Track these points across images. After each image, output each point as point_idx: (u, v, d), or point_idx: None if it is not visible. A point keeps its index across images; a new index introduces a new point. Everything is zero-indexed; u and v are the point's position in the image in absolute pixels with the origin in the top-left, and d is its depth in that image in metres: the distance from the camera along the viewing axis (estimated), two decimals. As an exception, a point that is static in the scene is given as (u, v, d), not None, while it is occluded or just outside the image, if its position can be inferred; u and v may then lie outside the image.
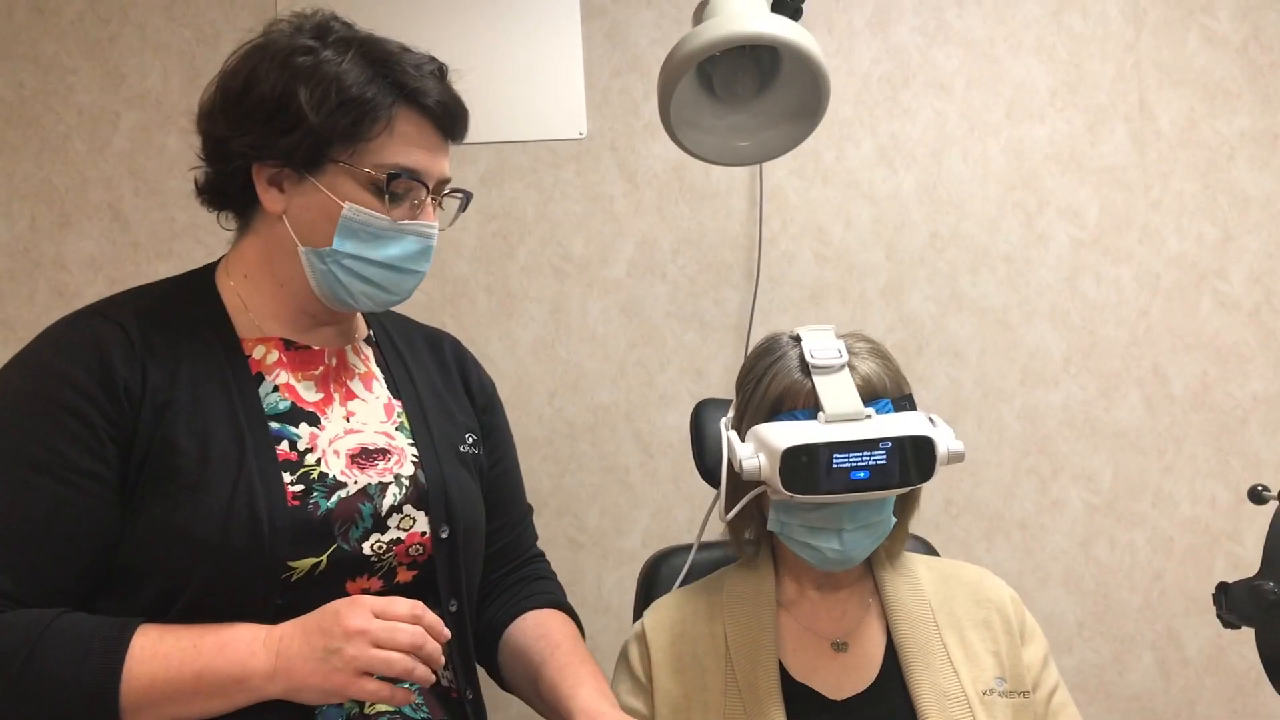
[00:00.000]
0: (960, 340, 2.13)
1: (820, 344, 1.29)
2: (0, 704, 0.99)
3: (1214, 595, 1.38)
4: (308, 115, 1.10)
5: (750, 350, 1.38)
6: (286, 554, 1.07)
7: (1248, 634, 1.45)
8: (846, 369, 1.26)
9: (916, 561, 1.39)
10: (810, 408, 1.24)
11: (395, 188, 1.14)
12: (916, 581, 1.36)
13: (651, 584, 1.52)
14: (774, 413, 1.27)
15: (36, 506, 1.03)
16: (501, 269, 2.07)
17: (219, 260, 1.24)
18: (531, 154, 2.08)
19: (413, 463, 1.19)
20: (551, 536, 2.05)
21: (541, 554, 1.43)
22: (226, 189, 1.18)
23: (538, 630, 1.30)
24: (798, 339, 1.31)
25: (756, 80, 1.52)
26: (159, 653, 1.02)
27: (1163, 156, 2.17)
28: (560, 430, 2.08)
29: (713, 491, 1.82)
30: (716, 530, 1.45)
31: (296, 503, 1.09)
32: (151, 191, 2.03)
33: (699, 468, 1.57)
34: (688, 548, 1.53)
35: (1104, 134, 2.16)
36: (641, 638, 1.34)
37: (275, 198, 1.15)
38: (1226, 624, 1.37)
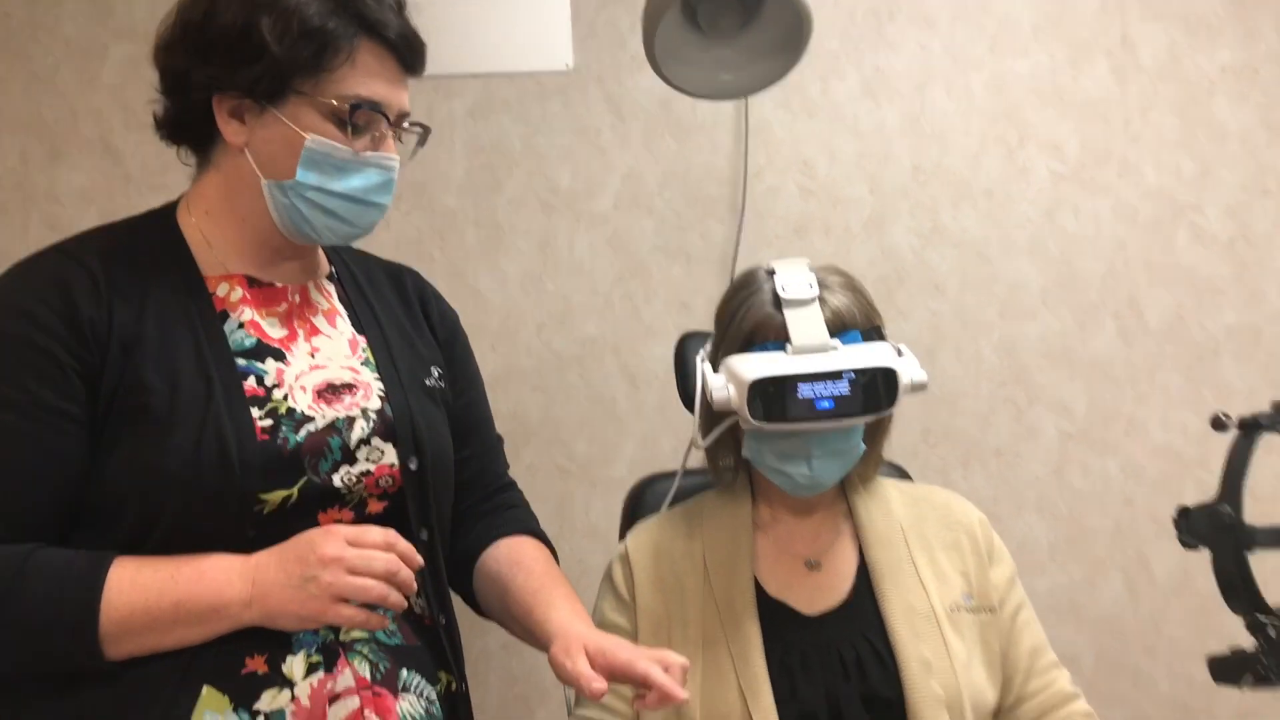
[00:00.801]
0: (941, 273, 2.18)
1: (792, 277, 1.33)
2: None
3: (1174, 519, 1.44)
4: (270, 46, 1.12)
5: (729, 285, 1.42)
6: (257, 487, 1.11)
7: (1205, 552, 1.51)
8: (817, 302, 1.31)
9: (889, 486, 1.45)
10: (781, 340, 1.29)
11: (357, 119, 1.15)
12: (888, 505, 1.42)
13: (637, 508, 1.58)
14: (747, 345, 1.32)
15: (8, 445, 1.06)
16: (489, 202, 2.11)
17: (179, 199, 1.25)
18: (518, 86, 2.11)
19: (379, 397, 1.22)
20: (540, 465, 2.11)
21: (513, 483, 1.46)
22: (186, 122, 1.19)
23: (511, 556, 1.34)
24: (772, 273, 1.35)
25: (740, 14, 1.54)
26: (137, 583, 1.05)
27: (1143, 90, 2.19)
28: (549, 362, 2.13)
29: (687, 422, 1.87)
30: (700, 457, 1.50)
31: (265, 437, 1.12)
32: (141, 125, 2.05)
33: (682, 398, 1.62)
34: (671, 474, 1.59)
35: (1086, 68, 2.18)
36: (625, 558, 1.41)
37: (237, 130, 1.16)
38: (1186, 546, 1.43)
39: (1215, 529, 1.36)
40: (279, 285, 1.23)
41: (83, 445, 1.09)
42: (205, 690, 1.08)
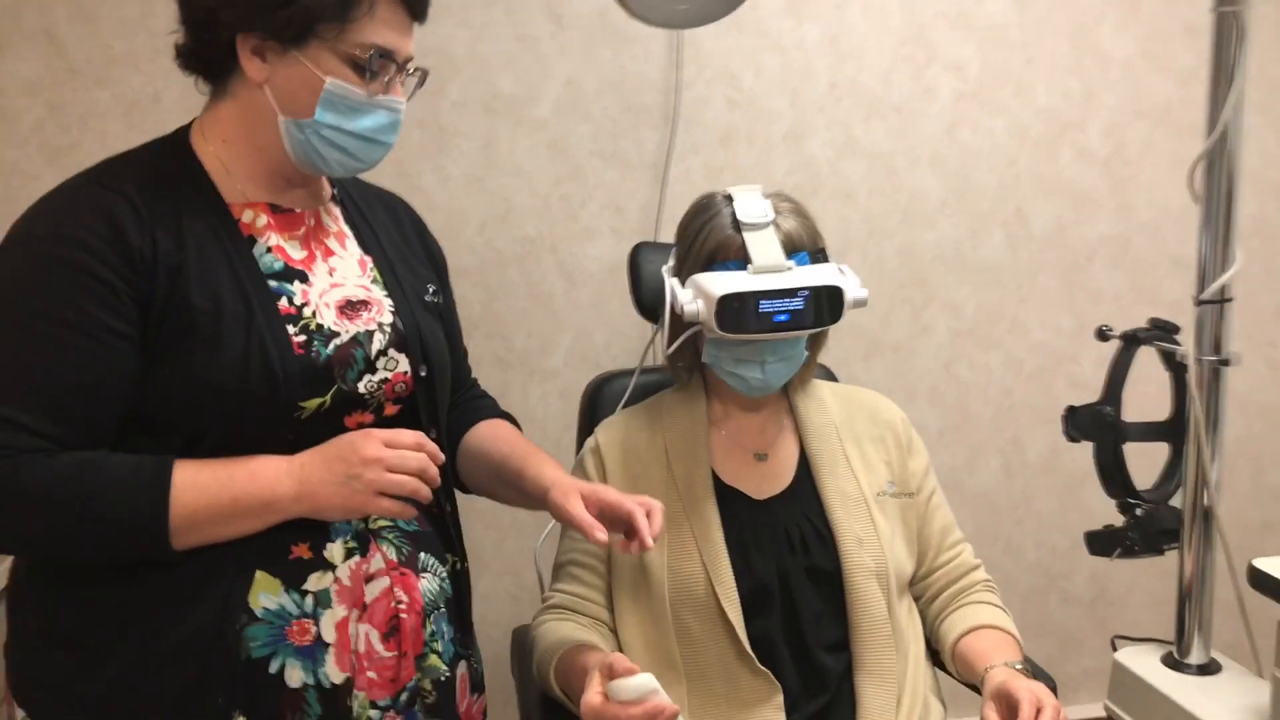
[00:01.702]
0: (852, 183, 2.36)
1: (749, 204, 1.49)
2: (63, 537, 1.15)
3: (1063, 416, 1.68)
4: None
5: (689, 207, 1.57)
6: (298, 396, 1.23)
7: (1079, 444, 1.76)
8: (772, 226, 1.47)
9: (823, 387, 1.65)
10: (740, 260, 1.46)
11: (373, 65, 1.24)
12: (823, 404, 1.62)
13: (595, 404, 1.75)
14: (709, 263, 1.48)
15: (74, 362, 1.16)
16: (433, 105, 2.19)
17: (189, 125, 1.33)
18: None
19: (391, 312, 1.34)
20: (482, 356, 2.25)
21: (476, 381, 1.63)
22: (208, 55, 1.27)
23: (493, 433, 1.51)
24: (730, 198, 1.51)
25: (695, -50, 1.66)
26: (198, 483, 1.18)
27: (1040, 17, 2.38)
28: (490, 259, 2.26)
29: (631, 318, 2.05)
30: (641, 358, 1.66)
31: (301, 351, 1.24)
32: (87, 18, 2.06)
33: (635, 302, 1.78)
34: (625, 373, 1.75)
35: (989, -6, 2.36)
36: (596, 450, 1.58)
37: (259, 67, 1.24)
38: (1071, 439, 1.68)
39: (1098, 426, 1.61)
40: (298, 211, 1.33)
41: (137, 362, 1.19)
42: (258, 574, 1.22)
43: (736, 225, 1.48)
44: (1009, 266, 2.46)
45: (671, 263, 1.57)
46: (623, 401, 1.70)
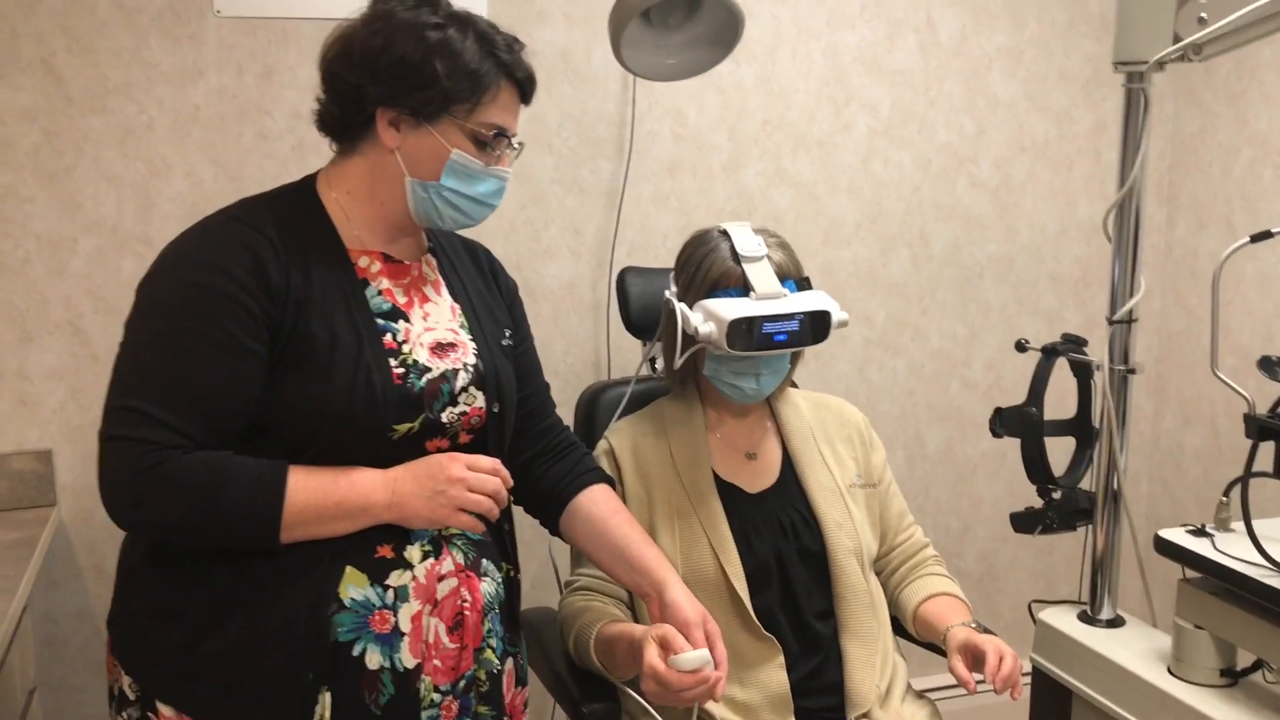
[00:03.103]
0: (780, 208, 2.64)
1: (745, 239, 1.75)
2: (193, 523, 1.33)
3: (991, 417, 1.98)
4: (441, 80, 1.40)
5: (686, 240, 1.82)
6: (393, 420, 1.43)
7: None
8: (766, 259, 1.73)
9: (797, 395, 1.92)
10: (740, 287, 1.72)
11: (492, 142, 1.46)
12: (799, 409, 1.89)
13: (593, 410, 1.98)
14: (713, 290, 1.73)
15: (216, 375, 1.34)
16: (409, 135, 2.37)
17: (316, 174, 1.52)
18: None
19: (474, 354, 1.54)
20: (454, 366, 2.44)
21: (561, 420, 1.77)
22: (348, 122, 1.46)
23: (608, 505, 1.66)
24: (725, 233, 1.76)
25: (685, 11, 1.90)
26: (308, 486, 1.36)
27: (940, 64, 2.71)
28: (459, 276, 2.44)
29: (586, 330, 2.31)
30: (614, 371, 1.85)
31: (400, 382, 1.43)
32: (85, 50, 2.17)
33: (624, 319, 2.02)
34: (619, 383, 1.99)
35: (899, 42, 2.67)
36: (610, 453, 1.81)
37: (393, 135, 1.44)
38: (996, 435, 1.99)
39: (1024, 424, 1.92)
40: (406, 262, 1.53)
41: (263, 378, 1.37)
42: (348, 569, 1.42)
43: (736, 257, 1.73)
44: (913, 282, 2.79)
45: (674, 289, 1.81)
46: (620, 408, 1.93)
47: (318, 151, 2.25)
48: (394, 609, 1.43)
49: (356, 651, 1.41)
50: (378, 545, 1.44)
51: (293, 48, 2.27)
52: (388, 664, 1.42)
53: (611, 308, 2.53)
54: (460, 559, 1.51)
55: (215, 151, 2.26)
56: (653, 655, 1.47)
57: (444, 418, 1.49)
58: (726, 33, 1.90)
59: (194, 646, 1.39)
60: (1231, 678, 1.68)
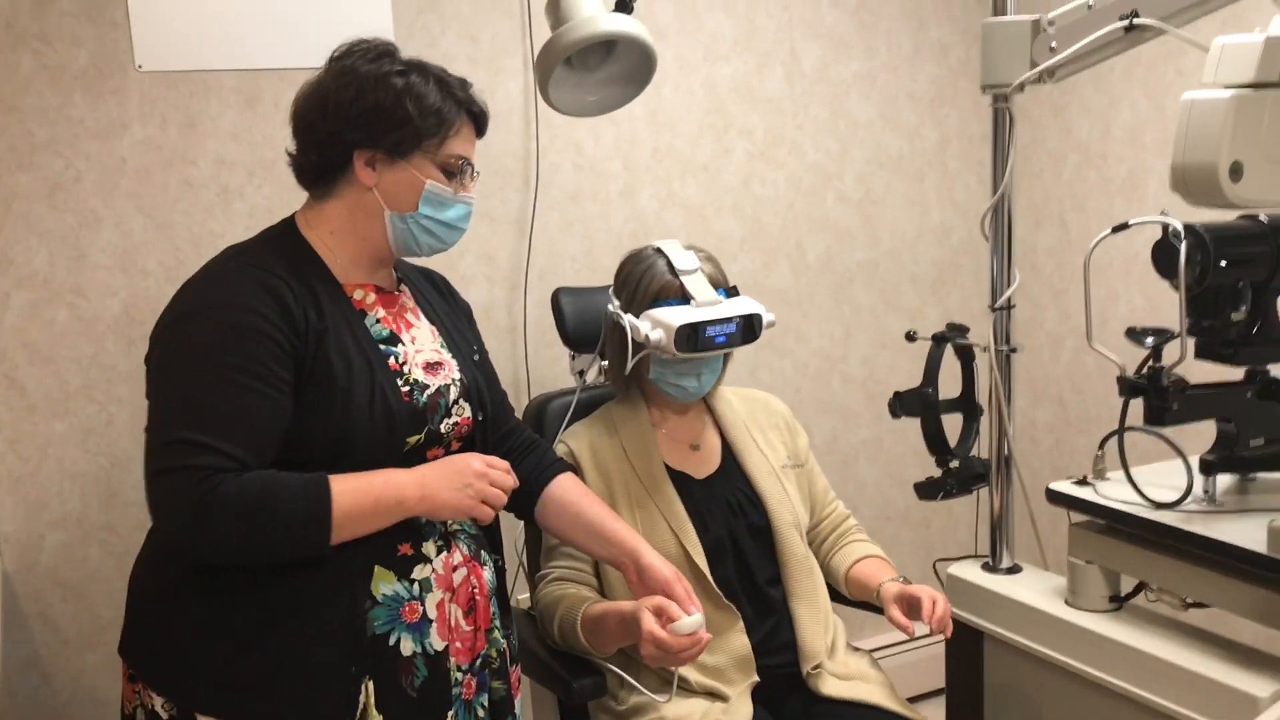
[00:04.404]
0: (673, 229, 2.87)
1: (679, 254, 1.97)
2: (252, 539, 1.44)
3: (890, 401, 2.24)
4: (413, 119, 1.57)
5: (624, 258, 2.03)
6: (406, 433, 1.59)
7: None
8: (700, 270, 1.95)
9: (728, 391, 2.15)
10: (680, 297, 1.93)
11: (459, 170, 1.64)
12: (731, 404, 2.11)
13: (540, 418, 2.15)
14: (655, 301, 1.93)
15: (258, 405, 1.47)
16: (329, 176, 2.50)
17: (293, 217, 1.65)
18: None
19: (458, 370, 1.70)
20: (385, 392, 2.57)
21: (520, 420, 1.96)
22: (326, 167, 1.61)
23: (576, 490, 1.85)
24: (660, 250, 1.98)
25: (602, 54, 2.10)
26: (348, 490, 1.50)
27: (805, 91, 2.99)
28: (384, 307, 2.58)
29: (505, 350, 2.54)
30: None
31: (408, 399, 1.60)
32: (9, 109, 2.22)
33: (561, 334, 2.20)
34: (564, 393, 2.17)
35: (768, 73, 2.94)
36: (570, 454, 1.99)
37: (370, 174, 1.59)
38: (895, 416, 2.24)
39: (923, 405, 2.18)
40: (394, 292, 1.69)
41: (292, 405, 1.51)
42: (377, 569, 1.57)
43: (673, 271, 1.94)
44: (793, 289, 3.05)
45: (617, 303, 2.00)
46: (568, 414, 2.11)
47: (241, 197, 2.40)
48: (421, 599, 1.59)
49: (392, 641, 1.56)
50: (398, 545, 1.60)
51: (214, 98, 2.37)
52: (419, 649, 1.58)
53: (529, 329, 2.71)
54: (466, 551, 1.68)
55: (143, 201, 2.34)
56: (651, 623, 1.66)
57: (442, 429, 1.65)
58: (641, 71, 2.11)
59: (240, 657, 1.51)
60: (1118, 603, 1.98)
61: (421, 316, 1.75)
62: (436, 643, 1.60)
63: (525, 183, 2.69)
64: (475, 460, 1.60)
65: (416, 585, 1.60)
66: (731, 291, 1.99)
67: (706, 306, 1.91)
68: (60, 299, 2.29)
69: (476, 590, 1.68)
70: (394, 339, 1.64)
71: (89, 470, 2.32)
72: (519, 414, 2.54)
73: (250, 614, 1.51)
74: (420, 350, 1.68)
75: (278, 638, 1.51)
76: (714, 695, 1.88)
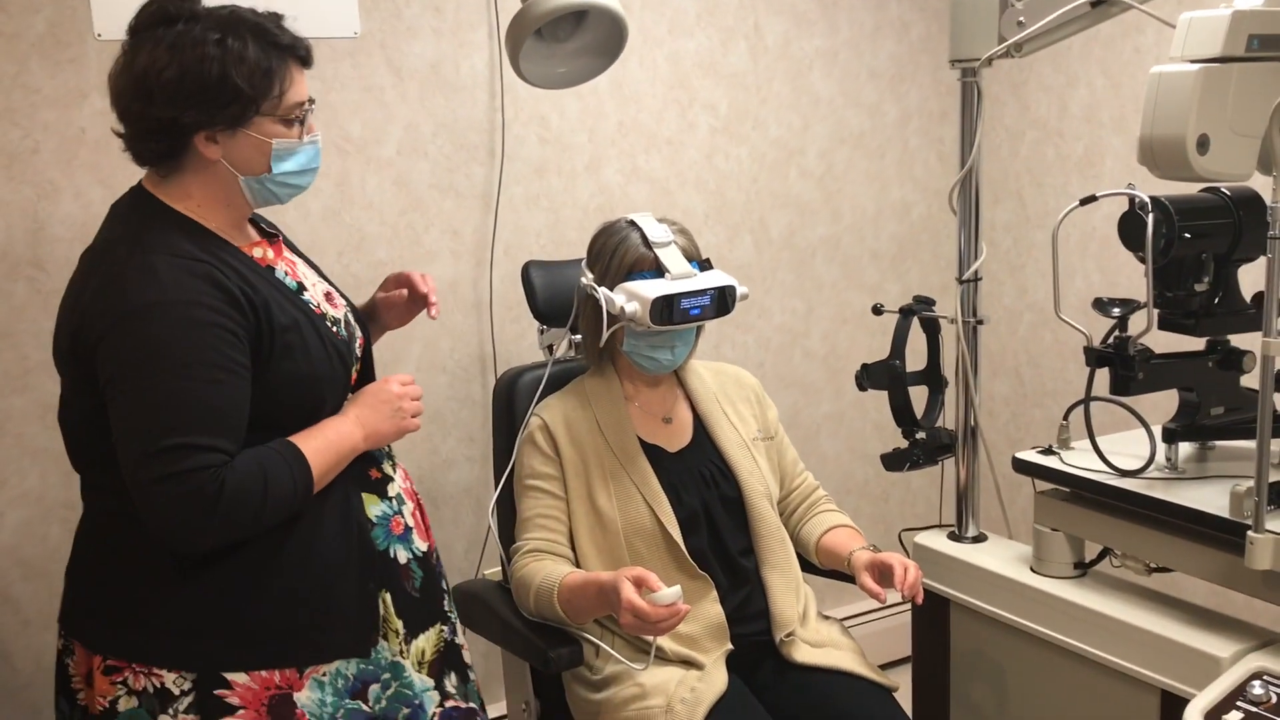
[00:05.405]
0: (639, 203, 2.87)
1: (653, 227, 1.97)
2: (261, 514, 1.51)
3: (857, 373, 2.26)
4: (243, 89, 1.52)
5: (597, 231, 2.02)
6: (350, 368, 1.70)
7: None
8: (674, 243, 1.96)
9: (699, 365, 2.16)
10: (654, 270, 1.93)
11: (299, 117, 1.61)
12: (702, 377, 2.12)
13: (512, 392, 2.15)
14: (629, 274, 1.94)
15: (229, 394, 1.51)
16: (293, 148, 2.47)
17: (147, 194, 1.61)
18: (315, 50, 2.47)
19: (339, 296, 1.76)
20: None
21: None
22: (167, 151, 1.56)
23: None
24: (633, 223, 1.98)
25: (572, 24, 2.10)
26: (315, 450, 1.58)
27: (768, 66, 3.00)
28: (348, 284, 2.50)
29: (469, 326, 2.51)
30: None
31: (341, 337, 1.68)
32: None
33: (532, 308, 2.20)
34: (534, 367, 2.17)
35: (731, 48, 2.95)
36: (544, 427, 1.99)
37: (214, 149, 1.56)
38: (862, 389, 2.27)
39: (890, 377, 2.20)
40: (277, 238, 1.73)
41: (250, 384, 1.55)
42: (364, 495, 1.68)
43: (647, 243, 1.94)
44: (756, 264, 3.07)
45: (590, 276, 2.00)
46: (541, 387, 2.11)
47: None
48: (400, 513, 1.74)
49: (391, 554, 1.71)
50: (369, 470, 1.71)
51: (175, 68, 2.33)
52: (410, 555, 1.74)
53: (495, 304, 2.70)
54: (396, 464, 1.80)
55: (103, 173, 2.30)
56: (630, 592, 1.67)
57: (356, 353, 1.74)
58: (611, 42, 2.11)
59: (262, 608, 1.58)
60: (1082, 569, 2.02)
61: (292, 252, 1.78)
62: (421, 545, 1.76)
63: (491, 156, 2.68)
64: (391, 384, 1.71)
65: (394, 501, 1.74)
66: (705, 265, 2.00)
67: (681, 279, 1.92)
68: (19, 272, 2.25)
69: (418, 494, 1.85)
70: (301, 286, 1.69)
71: (49, 447, 2.28)
72: (487, 388, 2.58)
73: (272, 566, 1.58)
74: (315, 285, 1.73)
75: (300, 580, 1.60)
76: (689, 663, 1.89)
